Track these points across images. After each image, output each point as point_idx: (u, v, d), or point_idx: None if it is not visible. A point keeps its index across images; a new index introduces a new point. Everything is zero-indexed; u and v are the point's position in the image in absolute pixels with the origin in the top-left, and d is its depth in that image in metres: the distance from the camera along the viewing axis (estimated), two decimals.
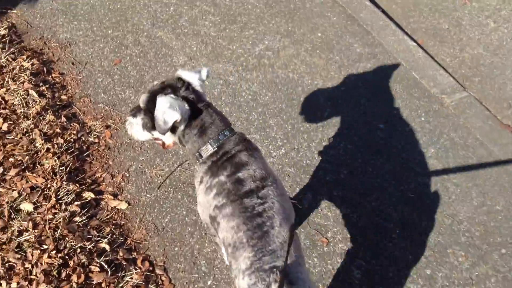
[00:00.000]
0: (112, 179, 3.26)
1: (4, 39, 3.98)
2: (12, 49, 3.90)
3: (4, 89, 3.58)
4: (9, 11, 4.32)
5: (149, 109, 2.12)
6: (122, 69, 3.93)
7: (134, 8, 4.45)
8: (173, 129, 2.12)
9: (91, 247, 2.86)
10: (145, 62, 4.00)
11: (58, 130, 3.41)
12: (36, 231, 2.87)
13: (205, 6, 4.51)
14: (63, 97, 3.67)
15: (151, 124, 2.16)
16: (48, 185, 3.10)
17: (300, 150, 3.46)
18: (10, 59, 3.81)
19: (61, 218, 2.93)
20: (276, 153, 3.44)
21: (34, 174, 3.14)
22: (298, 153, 3.44)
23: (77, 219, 2.97)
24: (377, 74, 4.04)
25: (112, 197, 3.16)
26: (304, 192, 3.23)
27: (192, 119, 2.07)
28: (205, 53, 4.09)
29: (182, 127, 2.10)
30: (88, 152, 3.36)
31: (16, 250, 2.79)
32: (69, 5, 4.43)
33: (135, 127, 2.26)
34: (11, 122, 3.40)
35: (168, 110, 1.96)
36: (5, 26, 4.13)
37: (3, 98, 3.54)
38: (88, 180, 3.22)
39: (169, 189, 3.22)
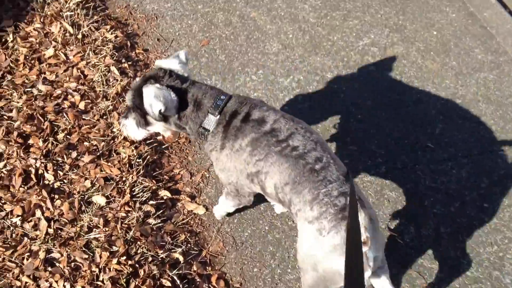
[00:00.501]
0: (190, 178, 2.96)
1: (88, 4, 3.72)
2: (95, 17, 3.63)
3: (84, 62, 3.33)
4: None
5: (137, 105, 2.11)
6: (210, 52, 3.57)
7: None
8: (165, 118, 2.12)
9: (164, 256, 2.58)
10: (235, 46, 3.62)
11: None
12: (106, 229, 2.63)
13: None
14: None
15: (143, 121, 2.19)
16: (123, 178, 2.84)
17: (404, 171, 3.01)
18: (93, 28, 3.54)
19: (135, 218, 2.67)
20: (374, 171, 3.01)
21: (109, 164, 2.89)
22: (401, 174, 2.99)
23: (151, 221, 2.70)
24: (502, 88, 3.47)
25: (189, 199, 2.86)
26: (406, 223, 2.80)
27: (183, 102, 2.07)
28: (302, 42, 3.66)
29: (174, 115, 2.09)
30: (167, 145, 3.07)
31: (84, 249, 2.56)
32: None
33: (130, 127, 2.27)
34: (89, 101, 3.15)
35: (153, 100, 1.97)
36: None
37: (82, 72, 3.29)
38: (165, 176, 2.94)
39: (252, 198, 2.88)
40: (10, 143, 2.91)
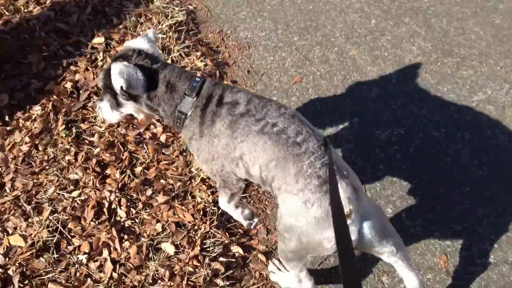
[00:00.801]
0: (267, 234, 2.72)
1: (181, 27, 3.60)
2: (187, 42, 3.50)
3: None
4: None
5: (108, 85, 2.09)
6: (302, 90, 3.31)
7: (328, 14, 3.77)
8: (135, 98, 2.09)
9: None
10: (330, 86, 3.33)
11: None
12: (171, 284, 2.45)
13: (415, 26, 3.67)
14: None
15: (115, 102, 2.17)
16: (196, 227, 2.65)
17: None
18: (183, 54, 3.41)
19: (202, 276, 2.47)
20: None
21: (183, 207, 2.71)
22: None
23: (219, 282, 2.48)
24: None
25: (264, 260, 2.62)
26: None
27: (153, 83, 2.04)
28: (406, 90, 3.30)
29: (142, 94, 2.06)
30: (246, 194, 2.85)
31: None
32: None
33: (104, 110, 2.25)
34: (170, 134, 3.01)
35: (117, 77, 1.95)
36: (184, 11, 3.75)
37: None
38: (239, 229, 2.72)
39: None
40: (88, 170, 2.83)
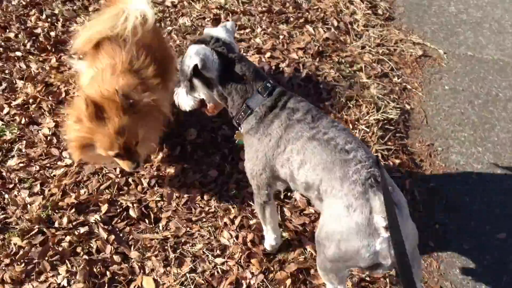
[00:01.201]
0: None
1: (389, 126, 3.29)
2: (390, 144, 3.17)
3: None
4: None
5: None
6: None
7: None
8: (208, 82, 2.16)
9: None
10: None
11: None
12: None
13: None
14: None
15: (190, 85, 2.22)
16: None
17: None
18: (380, 156, 3.08)
19: None
20: None
21: None
22: None
23: None
24: None
25: None
26: None
27: (228, 71, 2.11)
28: None
29: (217, 78, 2.11)
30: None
31: None
32: (469, 108, 3.43)
33: (181, 95, 2.30)
34: None
35: (193, 55, 2.03)
36: (399, 109, 3.45)
37: None
38: None
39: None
40: (238, 240, 2.64)
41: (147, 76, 2.54)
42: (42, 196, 2.77)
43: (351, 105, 3.40)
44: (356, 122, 3.28)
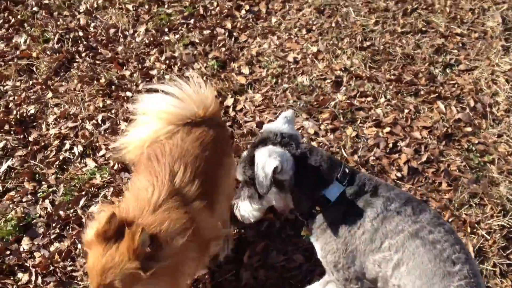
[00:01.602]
0: None
1: None
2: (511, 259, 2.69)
3: None
4: None
5: (250, 176, 1.98)
6: None
7: None
8: (281, 185, 1.96)
9: None
10: None
11: None
12: None
13: None
14: None
15: (257, 194, 2.00)
16: None
17: None
18: (497, 272, 2.61)
19: None
20: None
21: None
22: None
23: None
24: None
25: None
26: None
27: (302, 167, 1.94)
28: None
29: (291, 180, 1.93)
30: None
31: None
32: None
33: (244, 207, 2.08)
34: None
35: (267, 159, 1.85)
36: None
37: None
38: None
39: None
40: None
41: (189, 197, 2.16)
42: None
43: (474, 204, 2.97)
44: (476, 225, 2.86)
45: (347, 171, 1.97)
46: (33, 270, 2.67)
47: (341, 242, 1.95)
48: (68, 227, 2.88)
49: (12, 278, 2.65)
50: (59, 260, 2.72)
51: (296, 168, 1.93)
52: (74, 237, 2.80)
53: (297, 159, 1.94)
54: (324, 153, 2.02)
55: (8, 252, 2.78)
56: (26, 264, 2.72)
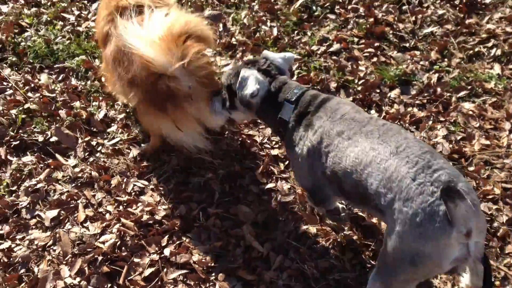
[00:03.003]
0: None
1: None
2: None
3: None
4: None
5: (231, 84, 2.34)
6: None
7: None
8: (249, 105, 2.29)
9: None
10: None
11: None
12: None
13: None
14: None
15: (230, 103, 2.37)
16: None
17: None
18: None
19: None
20: None
21: None
22: None
23: None
24: None
25: None
26: None
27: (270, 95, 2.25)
28: None
29: (258, 103, 2.26)
30: None
31: None
32: None
33: (215, 106, 2.44)
34: None
35: (249, 82, 2.20)
36: None
37: None
38: None
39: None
40: None
41: None
42: None
43: None
44: None
45: (297, 91, 2.19)
46: None
47: (296, 160, 2.21)
48: None
49: None
50: None
51: (265, 97, 2.25)
52: None
53: (270, 90, 2.25)
54: (285, 80, 2.28)
55: None
56: None
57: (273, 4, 4.08)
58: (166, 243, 2.61)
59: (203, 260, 2.53)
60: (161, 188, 2.88)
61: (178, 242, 2.62)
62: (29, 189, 2.91)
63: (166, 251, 2.56)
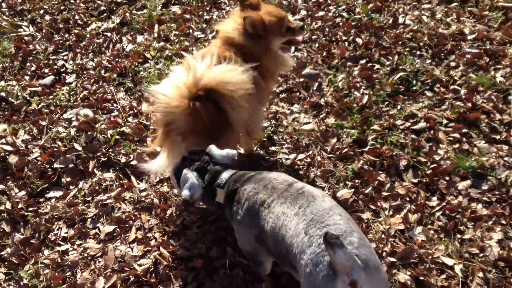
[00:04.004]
0: None
1: None
2: None
3: None
4: None
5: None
6: None
7: None
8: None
9: None
10: None
11: None
12: None
13: None
14: None
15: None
16: None
17: None
18: None
19: None
20: None
21: None
22: None
23: None
24: None
25: None
26: None
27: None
28: None
29: (200, 198, 2.56)
30: None
31: None
32: None
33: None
34: None
35: (185, 188, 2.50)
36: None
37: None
38: None
39: None
40: None
41: None
42: None
43: None
44: None
45: (225, 176, 2.49)
46: None
47: (236, 232, 2.52)
48: None
49: None
50: None
51: (204, 191, 2.53)
52: None
53: (206, 186, 2.53)
54: (216, 170, 2.54)
55: None
56: None
57: (374, 72, 4.13)
58: (191, 280, 2.79)
59: None
60: (206, 227, 3.09)
61: (202, 282, 2.79)
62: (100, 202, 3.34)
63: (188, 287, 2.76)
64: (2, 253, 3.09)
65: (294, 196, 2.12)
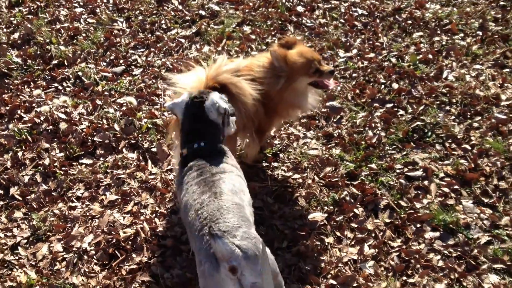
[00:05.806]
0: None
1: None
2: None
3: None
4: None
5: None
6: None
7: None
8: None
9: None
10: None
11: None
12: None
13: None
14: None
15: None
16: None
17: None
18: None
19: None
20: None
21: None
22: None
23: None
24: None
25: None
26: None
27: None
28: None
29: None
30: None
31: None
32: None
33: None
34: None
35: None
36: None
37: None
38: None
39: None
40: None
41: None
42: None
43: None
44: None
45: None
46: None
47: None
48: None
49: None
50: None
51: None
52: None
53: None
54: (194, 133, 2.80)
55: None
56: None
57: (394, 117, 4.33)
58: (158, 255, 3.24)
59: (172, 280, 3.09)
60: None
61: (166, 259, 3.22)
62: (116, 175, 3.92)
63: (152, 261, 3.20)
64: (28, 197, 3.76)
65: (209, 186, 2.45)
